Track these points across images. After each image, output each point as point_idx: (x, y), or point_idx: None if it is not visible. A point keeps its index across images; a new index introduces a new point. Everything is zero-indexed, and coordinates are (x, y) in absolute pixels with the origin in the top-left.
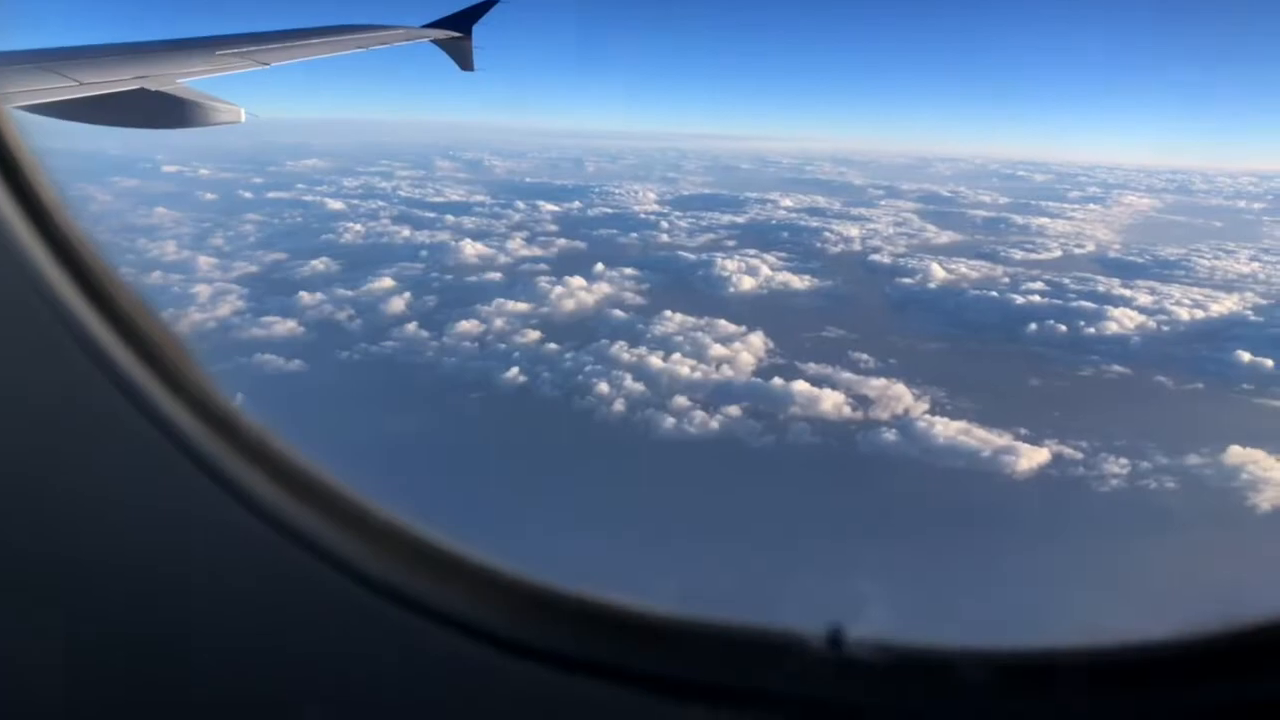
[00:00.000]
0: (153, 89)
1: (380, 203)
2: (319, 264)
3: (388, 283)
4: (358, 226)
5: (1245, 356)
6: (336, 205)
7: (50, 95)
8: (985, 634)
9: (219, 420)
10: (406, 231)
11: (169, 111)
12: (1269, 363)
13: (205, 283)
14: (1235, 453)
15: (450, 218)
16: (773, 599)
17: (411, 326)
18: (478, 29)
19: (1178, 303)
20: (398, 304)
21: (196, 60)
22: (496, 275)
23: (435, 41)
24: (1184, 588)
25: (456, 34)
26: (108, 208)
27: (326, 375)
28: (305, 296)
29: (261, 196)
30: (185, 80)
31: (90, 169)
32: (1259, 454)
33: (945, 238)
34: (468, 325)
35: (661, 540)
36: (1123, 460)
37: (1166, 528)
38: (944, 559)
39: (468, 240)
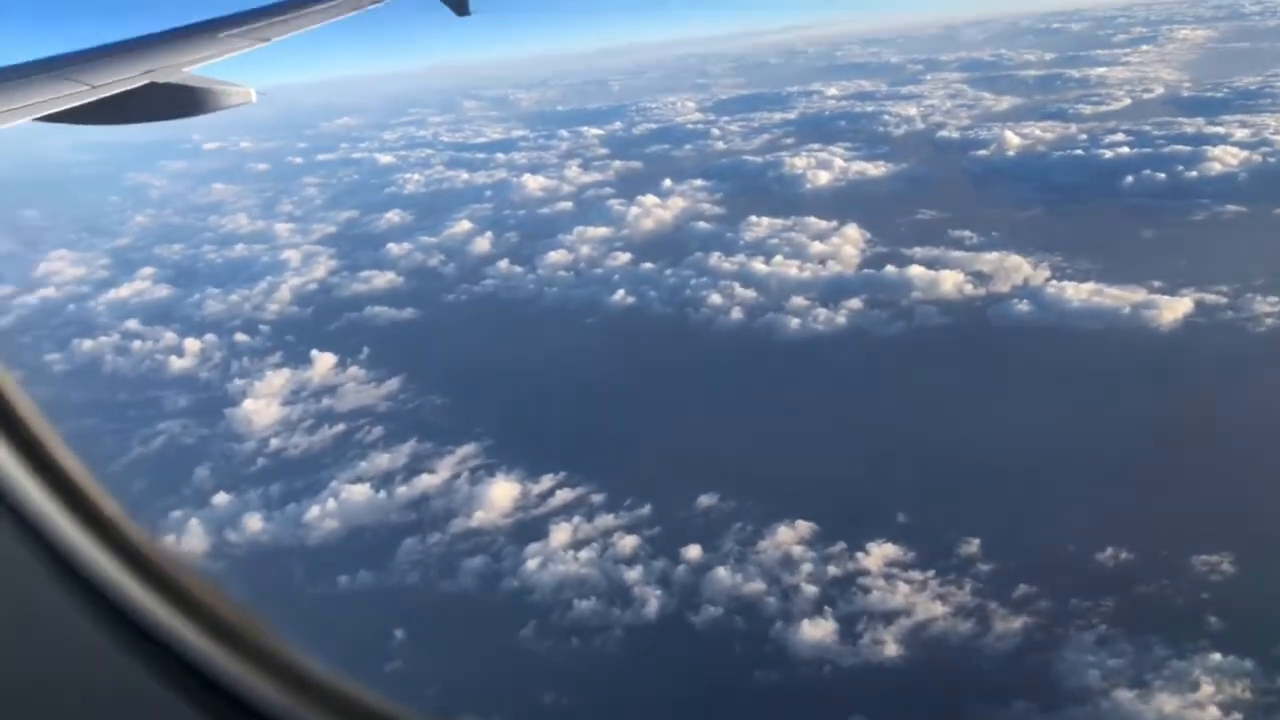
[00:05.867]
0: (162, 81)
1: (427, 150)
2: (393, 216)
3: (466, 225)
4: (416, 176)
5: None
6: (386, 159)
7: (66, 102)
8: None
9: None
10: (465, 175)
11: (181, 102)
12: None
13: (291, 248)
14: None
15: (500, 155)
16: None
17: (504, 264)
18: None
19: (1276, 131)
20: (482, 244)
21: (200, 46)
22: (567, 205)
23: None
24: None
25: None
26: (166, 192)
27: (441, 317)
28: (394, 248)
29: (311, 160)
30: (192, 68)
31: (131, 159)
32: None
33: (1005, 103)
34: (557, 256)
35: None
36: (1271, 298)
37: None
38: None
39: (527, 175)
